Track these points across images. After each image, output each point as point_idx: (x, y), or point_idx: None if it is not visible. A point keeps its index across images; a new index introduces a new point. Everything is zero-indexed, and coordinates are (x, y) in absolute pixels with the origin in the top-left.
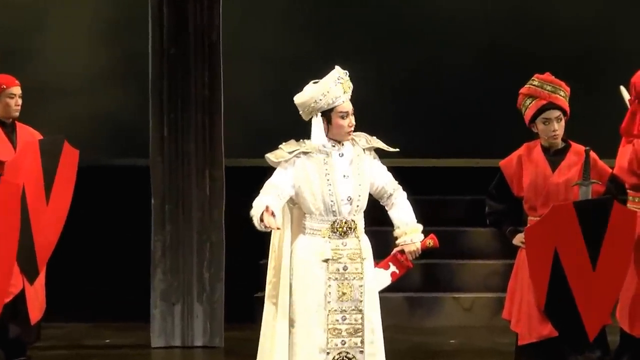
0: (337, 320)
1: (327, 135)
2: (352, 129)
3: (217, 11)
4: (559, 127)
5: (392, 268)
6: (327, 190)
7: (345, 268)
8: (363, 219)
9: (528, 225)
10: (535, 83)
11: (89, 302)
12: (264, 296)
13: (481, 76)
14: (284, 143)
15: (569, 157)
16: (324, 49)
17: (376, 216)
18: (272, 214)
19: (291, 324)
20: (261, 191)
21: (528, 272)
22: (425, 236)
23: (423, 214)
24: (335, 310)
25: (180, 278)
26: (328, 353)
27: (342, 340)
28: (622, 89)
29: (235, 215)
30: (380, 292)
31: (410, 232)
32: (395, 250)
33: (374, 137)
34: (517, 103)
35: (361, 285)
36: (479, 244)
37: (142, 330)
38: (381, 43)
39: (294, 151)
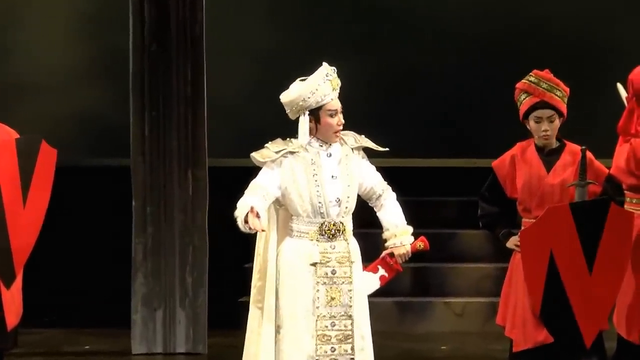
0: (326, 327)
1: (315, 135)
2: (341, 127)
3: (200, 5)
4: (551, 128)
5: (381, 271)
6: (314, 191)
7: (333, 272)
8: (351, 221)
9: (522, 227)
10: (532, 79)
11: (67, 307)
12: (248, 301)
13: (474, 74)
14: (270, 142)
15: (564, 157)
16: (310, 44)
17: (365, 218)
18: (257, 215)
19: (277, 329)
20: (246, 191)
21: (522, 276)
22: (416, 239)
23: (413, 216)
24: (324, 316)
25: (162, 282)
26: None
27: (332, 347)
28: (620, 86)
29: (219, 217)
30: (369, 296)
31: (399, 235)
32: (384, 253)
33: (363, 136)
34: (513, 97)
35: (350, 290)
36: (471, 247)
37: (123, 336)
38: (370, 39)
39: (280, 151)
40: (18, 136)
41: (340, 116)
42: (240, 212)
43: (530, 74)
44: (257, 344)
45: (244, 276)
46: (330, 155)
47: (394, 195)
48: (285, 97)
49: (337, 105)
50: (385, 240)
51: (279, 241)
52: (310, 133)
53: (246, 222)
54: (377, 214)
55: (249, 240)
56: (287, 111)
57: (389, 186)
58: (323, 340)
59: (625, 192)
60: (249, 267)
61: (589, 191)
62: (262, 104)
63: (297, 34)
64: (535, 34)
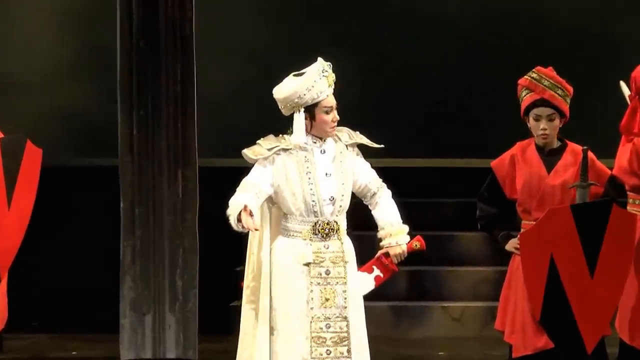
0: (321, 328)
1: (309, 131)
2: (336, 124)
3: (189, 2)
4: (550, 127)
5: (376, 272)
6: (308, 189)
7: (327, 272)
8: (345, 220)
9: (522, 229)
10: (534, 75)
11: (54, 312)
12: (240, 305)
13: (472, 72)
14: (262, 138)
15: (566, 157)
16: (302, 42)
17: (359, 219)
18: (250, 214)
19: (271, 331)
20: (238, 189)
21: (522, 279)
22: (412, 238)
23: (408, 218)
24: (319, 318)
25: (151, 286)
26: None
27: (327, 350)
28: (622, 84)
29: (209, 219)
30: (364, 299)
31: (395, 234)
32: (379, 252)
33: (357, 132)
34: (514, 96)
35: (345, 291)
36: (469, 250)
37: (111, 341)
38: (364, 35)
39: (273, 148)
40: (2, 136)
41: (335, 112)
42: (232, 211)
43: (533, 70)
44: (252, 346)
45: (236, 280)
46: (324, 152)
47: (389, 192)
48: (279, 93)
49: (332, 101)
50: (381, 240)
51: (272, 240)
52: (305, 130)
53: (239, 220)
54: (372, 212)
55: (241, 242)
56: (281, 107)
57: (384, 184)
58: (318, 342)
59: (628, 193)
60: (241, 270)
61: (591, 192)
62: (253, 103)
63: (289, 32)
64: (536, 32)
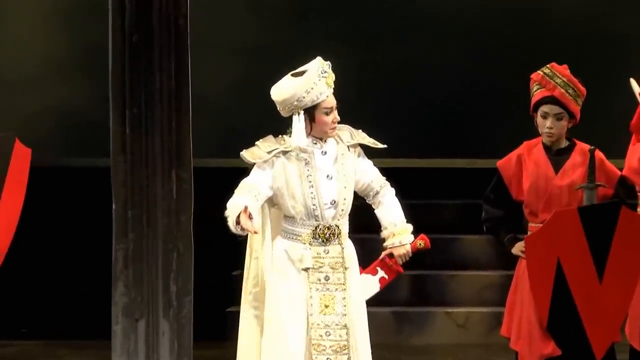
0: (321, 336)
1: (309, 133)
2: (336, 124)
3: None
4: (556, 127)
5: (381, 273)
6: (308, 193)
7: (327, 278)
8: (347, 224)
9: (529, 232)
10: (547, 71)
11: (44, 318)
12: (237, 311)
13: (475, 71)
14: (260, 140)
15: (574, 157)
16: (300, 38)
17: (363, 221)
18: (250, 216)
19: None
20: (236, 191)
21: (529, 284)
22: (415, 237)
23: (411, 220)
24: (319, 325)
25: (144, 291)
26: None
27: (328, 358)
28: (632, 81)
29: (205, 221)
30: (366, 304)
31: (398, 234)
32: (383, 254)
33: (360, 131)
34: (517, 95)
35: (344, 298)
36: (474, 253)
37: (102, 348)
38: (364, 31)
39: (273, 150)
40: None
41: (336, 113)
42: (231, 212)
43: (547, 65)
44: (258, 356)
45: (232, 284)
46: (325, 153)
47: (392, 191)
48: (278, 95)
49: (332, 102)
50: (384, 240)
51: (272, 241)
52: (305, 132)
53: (238, 223)
54: (375, 211)
55: (237, 246)
56: (279, 109)
57: (387, 182)
58: (318, 350)
59: (639, 194)
60: (238, 274)
61: (599, 194)
62: (251, 101)
63: (287, 27)
64: (539, 30)
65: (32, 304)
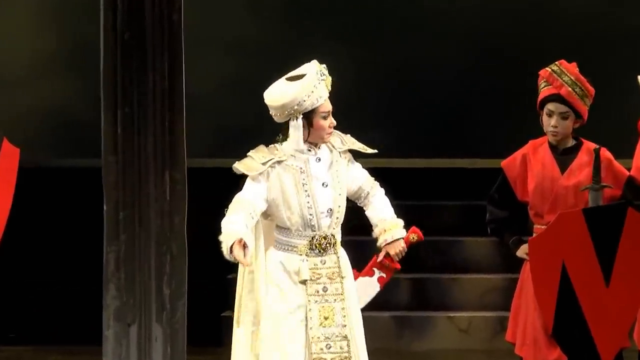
0: (322, 349)
1: (306, 139)
2: (332, 130)
3: None
4: (561, 126)
5: (378, 273)
6: (305, 202)
7: (325, 289)
8: (340, 232)
9: (534, 234)
10: (555, 68)
11: (31, 322)
12: (231, 316)
13: (478, 67)
14: (252, 150)
15: (581, 156)
16: (298, 37)
17: (356, 224)
18: (245, 245)
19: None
20: (230, 208)
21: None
22: (407, 231)
23: (411, 222)
24: (319, 338)
25: (136, 295)
26: None
27: None
28: None
29: (199, 223)
30: (363, 310)
31: (389, 229)
32: (380, 255)
33: (348, 136)
34: (519, 94)
35: (343, 308)
36: (477, 256)
37: (93, 354)
38: (363, 28)
39: (267, 161)
40: None
41: (331, 117)
42: (225, 238)
43: (556, 62)
44: None
45: (227, 288)
46: (319, 160)
47: (382, 190)
48: (276, 99)
49: (329, 106)
50: (377, 239)
51: (265, 252)
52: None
53: (231, 251)
54: (366, 212)
55: None
56: (275, 114)
57: (376, 182)
58: None
59: None
60: (233, 277)
61: (607, 195)
62: (246, 100)
63: (285, 25)
64: (540, 29)
65: (20, 308)
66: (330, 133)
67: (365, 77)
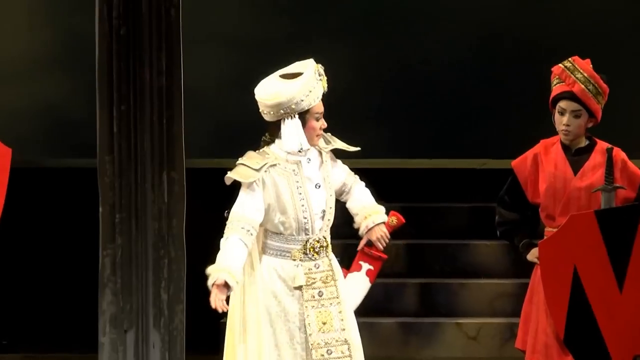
0: (323, 355)
1: None
2: (322, 132)
3: None
4: (573, 124)
5: (366, 266)
6: (299, 205)
7: (320, 294)
8: (329, 235)
9: (545, 237)
10: (568, 65)
11: (26, 328)
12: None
13: (485, 65)
14: (243, 158)
15: (594, 157)
16: (297, 32)
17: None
18: (228, 285)
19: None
20: (227, 225)
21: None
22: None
23: (416, 225)
24: (319, 344)
25: (133, 300)
26: None
27: None
28: None
29: (197, 225)
30: (368, 315)
31: (369, 215)
32: (361, 243)
33: (330, 134)
34: (526, 91)
35: (340, 312)
36: (486, 261)
37: None
38: (364, 24)
39: (262, 167)
40: None
41: (323, 119)
42: (212, 272)
43: (569, 59)
44: None
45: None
46: (310, 160)
47: (362, 183)
48: (271, 97)
49: (322, 107)
50: (359, 230)
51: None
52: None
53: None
54: (347, 204)
55: None
56: (267, 112)
57: (357, 176)
58: None
59: None
60: None
61: (621, 197)
62: (246, 98)
63: (285, 22)
64: (546, 25)
65: (12, 314)
66: (319, 135)
67: (367, 75)
